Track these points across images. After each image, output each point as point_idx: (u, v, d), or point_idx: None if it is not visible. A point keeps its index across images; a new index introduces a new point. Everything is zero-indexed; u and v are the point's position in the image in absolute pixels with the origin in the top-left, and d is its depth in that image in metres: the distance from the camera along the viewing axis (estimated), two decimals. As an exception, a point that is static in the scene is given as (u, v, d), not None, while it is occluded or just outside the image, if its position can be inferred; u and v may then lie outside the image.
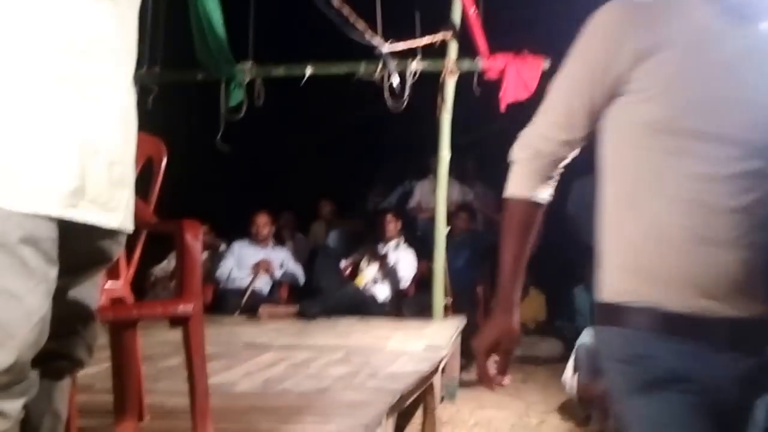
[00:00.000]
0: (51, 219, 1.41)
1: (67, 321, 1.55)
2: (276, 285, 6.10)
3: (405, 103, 5.24)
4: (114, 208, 1.55)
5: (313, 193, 7.65)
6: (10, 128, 1.40)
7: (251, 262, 5.93)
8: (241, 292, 5.68)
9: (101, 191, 1.50)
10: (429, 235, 5.80)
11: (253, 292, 5.73)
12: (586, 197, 6.40)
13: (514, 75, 5.22)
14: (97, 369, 3.03)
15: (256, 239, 6.08)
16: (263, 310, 5.41)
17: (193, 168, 6.65)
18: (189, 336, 2.16)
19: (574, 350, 4.88)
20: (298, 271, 6.19)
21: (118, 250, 1.64)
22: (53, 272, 1.43)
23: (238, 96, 5.69)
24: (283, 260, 6.14)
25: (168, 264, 5.95)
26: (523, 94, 5.21)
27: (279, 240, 6.65)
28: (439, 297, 5.29)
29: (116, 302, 2.34)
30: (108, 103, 1.55)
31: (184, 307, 2.16)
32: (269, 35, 5.64)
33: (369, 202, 7.85)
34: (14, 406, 1.41)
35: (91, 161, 1.48)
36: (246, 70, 5.63)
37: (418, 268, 6.09)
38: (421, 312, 5.47)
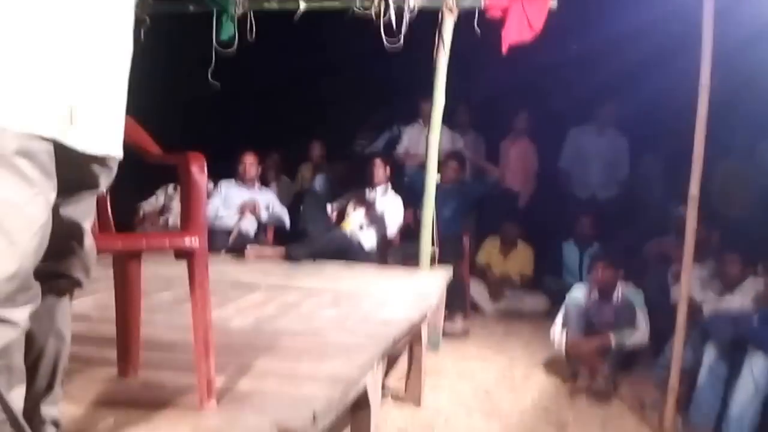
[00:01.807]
0: (44, 139, 1.52)
1: (63, 240, 1.67)
2: (262, 226, 6.20)
3: (401, 42, 5.22)
4: (101, 135, 1.66)
5: (300, 134, 7.68)
6: (6, 51, 1.49)
7: (237, 202, 6.02)
8: (228, 231, 5.78)
9: (89, 117, 1.62)
10: (416, 183, 5.88)
11: (240, 233, 5.83)
12: (580, 149, 6.61)
13: (519, 14, 5.12)
14: (92, 299, 3.16)
15: (242, 179, 6.16)
16: (250, 250, 5.52)
17: (183, 103, 6.66)
18: (194, 269, 2.25)
19: (564, 306, 5.01)
20: (284, 213, 6.29)
21: (109, 176, 1.75)
22: (51, 185, 1.55)
23: (229, 30, 5.69)
24: (269, 202, 6.23)
25: (156, 200, 6.03)
26: (527, 35, 5.13)
27: (264, 181, 6.73)
28: (427, 246, 5.40)
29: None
30: (101, 30, 1.64)
31: (190, 240, 2.25)
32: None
33: (356, 146, 7.91)
34: (21, 314, 1.53)
35: (81, 87, 1.59)
36: (238, 3, 5.62)
37: (405, 217, 6.19)
38: (406, 260, 5.59)
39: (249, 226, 6.04)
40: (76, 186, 1.68)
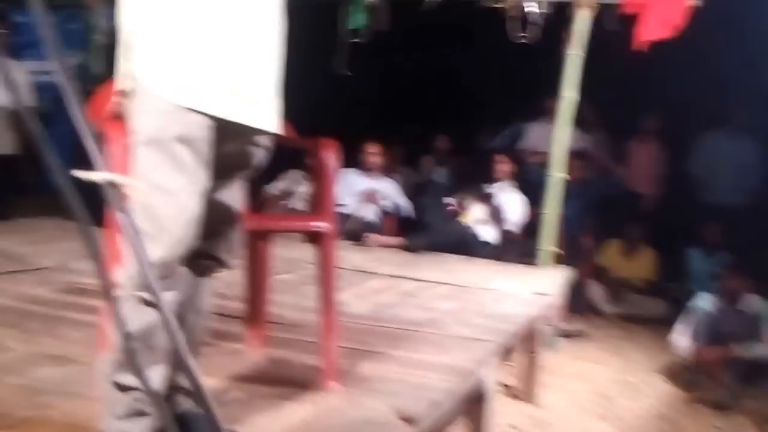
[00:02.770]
0: (208, 118, 1.57)
1: (213, 222, 1.72)
2: (382, 215, 6.26)
3: (531, 36, 5.13)
4: (267, 112, 1.71)
5: (424, 126, 7.71)
6: (177, 28, 1.56)
7: (359, 190, 6.10)
8: (348, 218, 5.87)
9: (256, 95, 1.67)
10: (539, 180, 5.80)
11: (360, 220, 5.91)
12: (711, 154, 6.31)
13: (655, 10, 4.88)
14: (221, 275, 3.27)
15: (365, 168, 6.24)
16: (369, 238, 5.60)
17: (311, 90, 6.82)
18: (323, 253, 2.32)
19: (690, 314, 4.87)
20: (404, 203, 6.33)
21: (266, 157, 1.80)
22: (206, 173, 1.60)
23: (358, 19, 5.77)
24: (390, 192, 6.29)
25: (280, 184, 6.19)
26: (663, 33, 4.87)
27: (387, 171, 6.78)
28: (548, 244, 5.31)
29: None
30: (265, 12, 1.69)
31: (321, 224, 2.32)
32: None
33: (478, 141, 7.87)
34: (165, 298, 1.59)
35: (249, 66, 1.65)
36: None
37: (526, 214, 6.12)
38: (526, 258, 5.51)
39: (370, 214, 6.11)
40: (233, 166, 1.73)
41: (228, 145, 1.66)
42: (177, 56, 1.57)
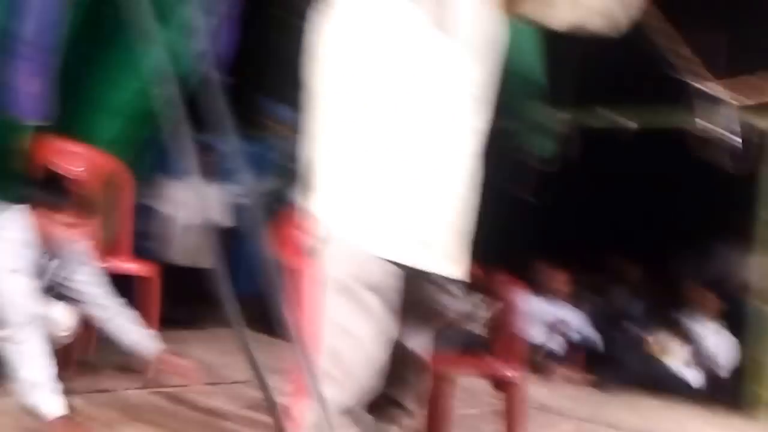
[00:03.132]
0: (397, 266, 1.51)
1: (399, 369, 1.65)
2: (567, 346, 5.95)
3: (729, 160, 4.85)
4: (455, 259, 1.63)
5: (614, 253, 7.39)
6: (365, 175, 1.52)
7: (544, 319, 5.86)
8: (533, 348, 5.63)
9: (445, 242, 1.59)
10: (744, 315, 5.33)
11: (546, 352, 5.66)
12: None
13: None
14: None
15: (551, 296, 6.02)
16: (556, 372, 5.33)
17: (493, 215, 6.77)
18: (512, 404, 2.16)
19: None
20: (594, 336, 6.00)
21: (454, 305, 1.71)
22: (393, 320, 1.54)
23: (546, 145, 5.70)
24: (578, 322, 6.00)
25: (461, 305, 6.10)
26: None
27: (574, 300, 6.50)
28: (761, 391, 4.80)
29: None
30: (459, 152, 1.62)
31: (511, 372, 2.17)
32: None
33: (673, 268, 7.41)
34: None
35: (438, 213, 1.57)
36: (547, 117, 5.61)
37: (733, 354, 5.59)
38: (734, 405, 4.99)
39: (556, 345, 5.83)
40: (420, 314, 1.70)
41: (415, 291, 1.61)
42: (365, 203, 1.56)
